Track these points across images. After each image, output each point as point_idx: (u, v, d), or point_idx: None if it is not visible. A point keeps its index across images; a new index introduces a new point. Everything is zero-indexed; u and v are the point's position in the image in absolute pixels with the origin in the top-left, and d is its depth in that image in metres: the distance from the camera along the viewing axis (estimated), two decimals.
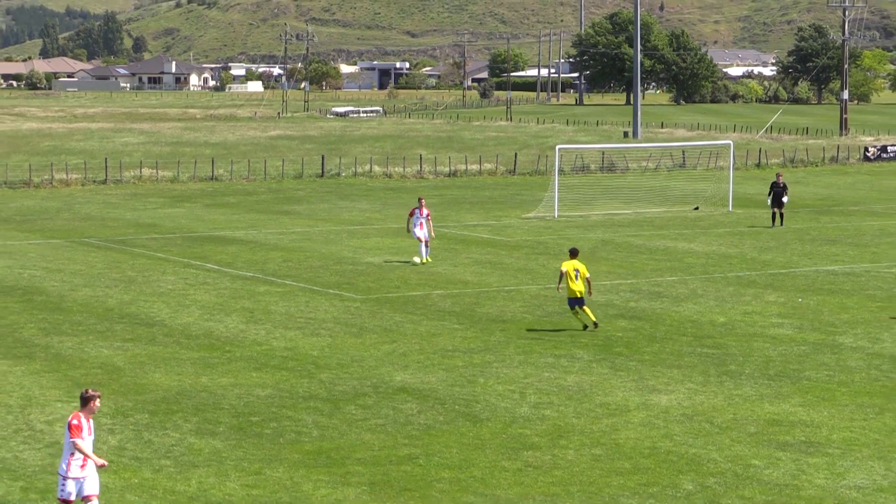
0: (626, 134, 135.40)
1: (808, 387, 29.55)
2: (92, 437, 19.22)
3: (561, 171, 73.15)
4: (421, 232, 47.60)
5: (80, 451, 18.92)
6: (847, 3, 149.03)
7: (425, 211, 47.91)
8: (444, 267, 47.93)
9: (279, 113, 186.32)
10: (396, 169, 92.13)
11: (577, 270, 35.16)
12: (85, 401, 19.34)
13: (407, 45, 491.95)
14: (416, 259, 47.47)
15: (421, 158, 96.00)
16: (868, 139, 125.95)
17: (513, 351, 33.27)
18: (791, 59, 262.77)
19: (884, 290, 42.88)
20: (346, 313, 38.52)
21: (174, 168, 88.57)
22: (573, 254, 36.15)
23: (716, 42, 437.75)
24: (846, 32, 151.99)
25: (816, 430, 25.92)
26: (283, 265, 48.02)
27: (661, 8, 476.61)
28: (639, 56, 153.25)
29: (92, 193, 77.62)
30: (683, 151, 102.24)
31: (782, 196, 59.90)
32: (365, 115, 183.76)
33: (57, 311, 38.72)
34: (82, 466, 18.92)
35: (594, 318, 35.52)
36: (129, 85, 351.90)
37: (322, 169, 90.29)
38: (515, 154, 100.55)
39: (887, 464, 23.66)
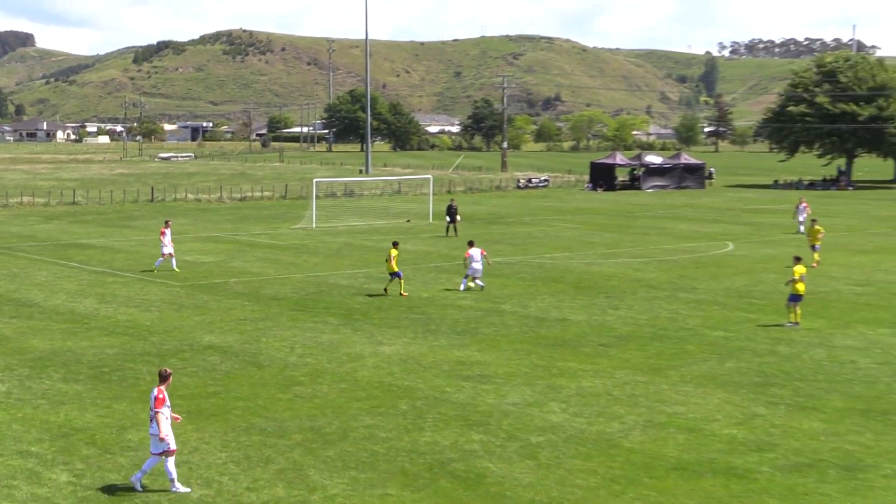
0: (361, 171, 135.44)
1: (482, 339, 30.09)
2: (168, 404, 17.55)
3: (317, 196, 72.90)
4: (168, 248, 44.08)
5: (161, 420, 17.29)
6: (505, 84, 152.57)
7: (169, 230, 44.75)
8: (237, 262, 47.29)
9: (121, 157, 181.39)
10: (204, 196, 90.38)
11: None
12: (163, 378, 17.72)
13: (211, 110, 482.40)
14: (176, 269, 43.69)
15: (221, 188, 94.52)
16: (519, 174, 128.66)
17: (285, 319, 33.06)
18: (470, 121, 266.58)
19: (530, 273, 43.92)
20: (170, 295, 37.71)
21: (47, 196, 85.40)
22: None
23: (420, 109, 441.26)
24: (504, 104, 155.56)
25: (487, 367, 26.43)
26: (125, 263, 46.67)
27: (384, 86, 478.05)
28: (369, 118, 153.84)
29: None
30: (399, 183, 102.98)
31: (455, 214, 60.66)
32: (182, 159, 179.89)
33: None
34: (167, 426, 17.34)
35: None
36: (12, 138, 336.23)
37: (152, 196, 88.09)
38: (286, 185, 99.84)
39: (533, 388, 24.28)
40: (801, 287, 31.90)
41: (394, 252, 37.81)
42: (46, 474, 18.21)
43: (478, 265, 39.07)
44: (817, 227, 46.87)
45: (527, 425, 21.23)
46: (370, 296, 37.60)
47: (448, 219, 60.50)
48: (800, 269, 32.28)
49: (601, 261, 48.49)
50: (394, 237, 58.43)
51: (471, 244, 39.83)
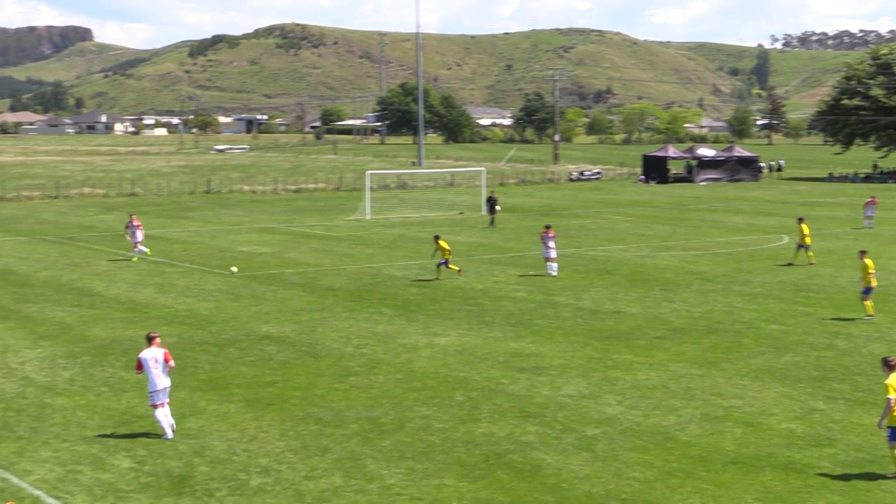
0: (413, 163, 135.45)
1: (537, 330, 29.95)
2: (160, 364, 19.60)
3: (371, 188, 73.07)
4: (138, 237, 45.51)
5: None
6: (556, 77, 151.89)
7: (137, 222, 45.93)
8: (293, 254, 47.48)
9: (178, 149, 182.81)
10: (259, 187, 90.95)
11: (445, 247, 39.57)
12: (153, 339, 19.85)
13: (265, 103, 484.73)
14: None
15: (276, 180, 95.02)
16: (572, 167, 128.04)
17: (341, 310, 33.11)
18: (521, 113, 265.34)
19: (584, 266, 43.65)
20: (227, 286, 37.92)
21: (105, 187, 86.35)
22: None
23: (472, 102, 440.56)
24: (556, 97, 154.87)
25: (542, 358, 26.29)
26: (183, 253, 47.00)
27: (436, 79, 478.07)
28: (422, 111, 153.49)
29: (48, 205, 75.12)
30: (452, 175, 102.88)
31: (495, 205, 61.05)
32: (237, 151, 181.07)
33: (25, 286, 37.43)
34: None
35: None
36: (73, 131, 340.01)
37: (208, 187, 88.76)
38: (340, 177, 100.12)
39: (588, 380, 24.11)
40: (873, 280, 31.89)
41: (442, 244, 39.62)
42: (110, 460, 18.37)
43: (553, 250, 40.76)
44: (803, 225, 44.91)
45: (582, 417, 21.08)
46: (423, 280, 37.57)
47: (487, 210, 61.13)
48: (870, 263, 32.08)
49: (655, 253, 48.13)
50: (448, 229, 58.50)
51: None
